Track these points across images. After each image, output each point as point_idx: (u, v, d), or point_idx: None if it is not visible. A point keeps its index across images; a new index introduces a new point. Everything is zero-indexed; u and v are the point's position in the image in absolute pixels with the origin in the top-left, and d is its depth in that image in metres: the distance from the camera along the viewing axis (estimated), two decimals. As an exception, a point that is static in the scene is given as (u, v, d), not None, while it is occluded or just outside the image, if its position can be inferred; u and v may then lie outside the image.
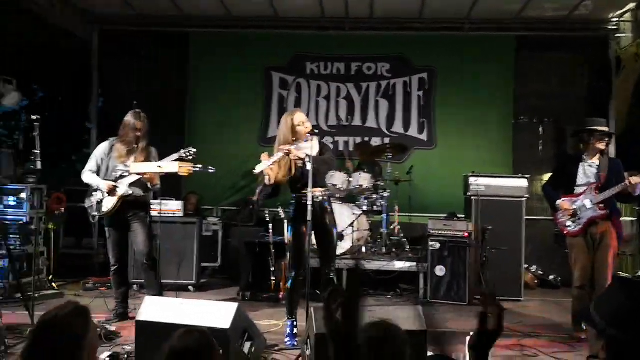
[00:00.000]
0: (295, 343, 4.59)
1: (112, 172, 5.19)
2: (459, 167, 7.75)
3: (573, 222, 4.96)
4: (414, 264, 6.78)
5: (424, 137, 8.83)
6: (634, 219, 7.61)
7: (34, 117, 4.84)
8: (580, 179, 4.97)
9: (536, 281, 7.64)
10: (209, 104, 9.07)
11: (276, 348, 4.53)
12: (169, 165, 5.05)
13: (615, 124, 8.12)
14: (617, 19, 8.39)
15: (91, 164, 5.25)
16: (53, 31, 8.19)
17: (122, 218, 5.19)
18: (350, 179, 6.98)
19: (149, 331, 3.81)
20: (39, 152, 4.81)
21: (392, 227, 7.56)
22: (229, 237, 7.80)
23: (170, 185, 6.47)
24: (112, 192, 5.10)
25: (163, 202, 6.78)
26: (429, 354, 3.71)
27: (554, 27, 8.47)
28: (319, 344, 3.56)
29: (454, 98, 8.74)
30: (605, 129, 5.05)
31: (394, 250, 7.25)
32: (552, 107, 8.70)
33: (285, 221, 5.69)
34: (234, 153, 8.52)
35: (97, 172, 5.21)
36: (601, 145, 4.93)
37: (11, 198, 6.22)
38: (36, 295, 4.95)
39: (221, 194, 8.71)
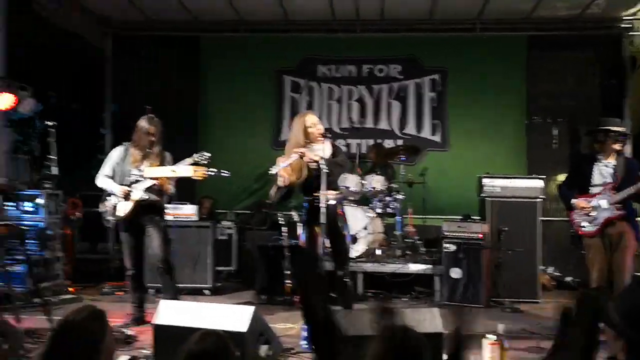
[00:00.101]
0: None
1: (126, 177, 5.21)
2: (472, 169, 7.72)
3: (589, 222, 4.91)
4: (429, 266, 6.75)
5: (437, 138, 8.80)
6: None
7: (49, 123, 4.90)
8: (596, 179, 4.93)
9: (553, 283, 7.57)
10: (221, 107, 9.12)
11: (292, 351, 4.51)
12: (184, 169, 5.06)
13: (631, 123, 8.05)
14: (630, 17, 8.32)
15: (106, 169, 5.28)
16: (67, 38, 8.28)
17: (138, 223, 5.21)
18: (364, 182, 6.97)
19: (166, 335, 3.83)
20: (55, 157, 4.86)
21: (406, 229, 7.54)
22: (244, 240, 7.82)
23: (185, 190, 6.50)
24: (127, 196, 5.13)
25: (177, 206, 6.86)
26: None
27: (566, 26, 8.42)
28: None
29: (467, 99, 8.71)
30: (622, 129, 5.00)
31: (408, 252, 7.22)
32: (566, 107, 8.64)
33: (299, 224, 5.68)
34: (247, 156, 8.55)
35: (112, 177, 5.24)
36: (617, 146, 4.89)
37: (28, 204, 6.25)
38: (54, 300, 4.99)
39: (235, 198, 8.74)
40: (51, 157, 4.88)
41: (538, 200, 6.77)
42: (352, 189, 6.74)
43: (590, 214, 4.89)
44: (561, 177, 7.65)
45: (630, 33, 8.42)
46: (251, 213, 8.41)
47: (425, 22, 8.68)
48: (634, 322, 1.72)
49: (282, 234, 6.59)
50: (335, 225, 4.65)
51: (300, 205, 4.91)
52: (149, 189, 5.10)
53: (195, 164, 5.10)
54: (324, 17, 8.67)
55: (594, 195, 4.90)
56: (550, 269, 7.65)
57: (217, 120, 9.10)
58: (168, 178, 5.13)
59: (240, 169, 7.93)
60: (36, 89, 6.81)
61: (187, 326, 3.74)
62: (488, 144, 8.55)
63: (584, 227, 4.94)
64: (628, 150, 6.62)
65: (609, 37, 8.53)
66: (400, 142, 8.66)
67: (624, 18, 8.34)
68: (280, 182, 4.63)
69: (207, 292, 6.77)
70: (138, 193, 5.10)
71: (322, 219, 4.39)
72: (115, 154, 5.32)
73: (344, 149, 8.55)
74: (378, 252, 7.16)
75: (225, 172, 5.27)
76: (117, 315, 5.24)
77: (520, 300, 6.40)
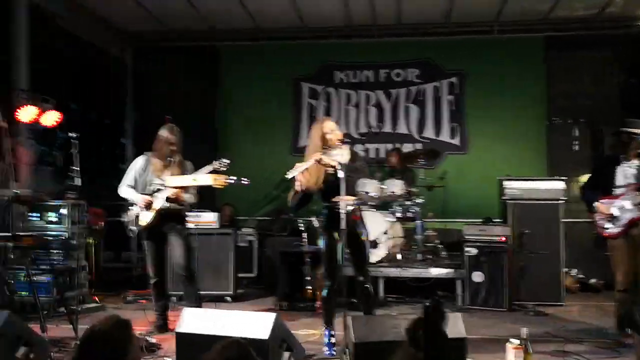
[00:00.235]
0: (334, 352, 4.58)
1: (148, 186, 5.27)
2: (492, 171, 7.68)
3: (613, 224, 4.85)
4: (451, 270, 6.70)
5: (456, 141, 8.77)
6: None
7: (72, 135, 4.96)
8: (619, 180, 4.87)
9: (577, 285, 7.48)
10: (240, 115, 9.21)
11: (315, 357, 4.52)
12: (204, 178, 5.09)
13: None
14: (649, 15, 8.21)
15: (128, 179, 5.34)
16: (88, 49, 8.43)
17: (160, 231, 5.25)
18: (383, 186, 6.96)
19: (189, 343, 3.86)
20: (78, 169, 4.92)
21: (427, 233, 7.51)
22: (264, 247, 7.85)
23: (205, 197, 6.55)
24: (148, 206, 5.18)
25: (198, 214, 6.91)
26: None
27: (584, 26, 8.37)
28: (358, 353, 3.55)
29: (485, 101, 8.68)
30: (646, 131, 4.92)
31: (429, 256, 7.19)
32: (586, 107, 8.56)
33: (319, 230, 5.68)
34: (266, 163, 8.60)
35: (134, 187, 5.30)
36: (641, 148, 4.83)
37: (52, 214, 6.37)
38: (79, 308, 5.05)
39: (255, 205, 8.79)
40: (74, 167, 4.93)
41: (560, 201, 6.70)
42: (371, 194, 6.73)
43: (612, 218, 4.83)
44: (583, 178, 7.56)
45: (650, 30, 8.31)
46: (271, 219, 8.45)
47: (442, 25, 8.68)
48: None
49: (303, 240, 6.60)
50: (354, 230, 4.64)
51: (320, 212, 4.90)
52: (167, 199, 5.15)
53: (215, 171, 5.13)
54: (341, 23, 8.71)
55: (617, 197, 4.84)
56: (573, 271, 7.55)
57: (236, 128, 9.18)
58: (184, 188, 5.17)
59: (259, 176, 7.96)
60: (58, 100, 6.93)
61: (209, 334, 3.77)
62: (507, 145, 8.50)
63: (607, 228, 4.88)
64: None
65: (628, 36, 8.43)
66: (419, 145, 8.65)
67: (644, 16, 8.24)
68: (297, 186, 4.64)
69: (228, 299, 6.80)
70: (159, 202, 5.16)
71: (341, 224, 4.38)
72: (137, 164, 5.38)
73: (362, 154, 8.58)
74: (399, 256, 7.14)
75: (245, 179, 5.29)
76: (141, 323, 5.28)
77: (544, 303, 6.32)
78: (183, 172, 5.26)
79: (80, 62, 8.31)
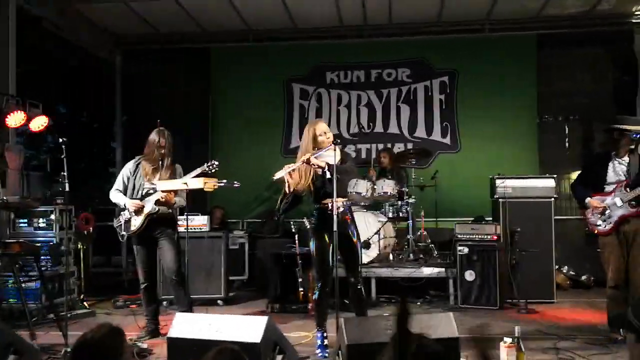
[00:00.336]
0: (327, 354, 4.56)
1: (138, 190, 5.23)
2: (484, 170, 7.67)
3: (604, 220, 4.86)
4: (443, 269, 6.71)
5: (447, 140, 8.77)
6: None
7: (61, 140, 4.92)
8: (610, 177, 4.88)
9: (568, 282, 7.50)
10: (231, 117, 9.17)
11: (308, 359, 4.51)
12: (195, 181, 5.06)
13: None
14: (640, 12, 8.24)
15: (118, 183, 5.31)
16: (77, 52, 8.37)
17: (150, 235, 5.22)
18: (375, 187, 6.95)
19: (181, 348, 3.82)
20: (66, 174, 4.88)
21: (418, 233, 7.51)
22: (255, 249, 7.82)
23: (196, 200, 6.51)
24: (139, 210, 5.14)
25: (189, 217, 6.86)
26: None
27: (576, 23, 8.36)
28: (351, 354, 3.53)
29: (477, 100, 8.68)
30: (637, 128, 4.92)
31: (421, 256, 7.19)
32: (577, 105, 8.59)
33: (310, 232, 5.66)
34: (257, 165, 8.56)
35: (124, 191, 5.27)
36: (632, 145, 4.84)
37: (41, 220, 6.31)
38: (69, 315, 5.01)
39: (245, 207, 8.75)
40: (63, 172, 4.89)
41: (551, 199, 6.71)
42: (363, 194, 6.72)
43: (604, 213, 4.84)
44: (573, 175, 7.59)
45: (641, 27, 8.34)
46: (262, 221, 8.41)
47: (433, 24, 8.68)
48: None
49: (294, 241, 6.57)
50: (345, 231, 4.62)
51: (311, 213, 4.88)
52: (157, 202, 5.11)
53: (204, 173, 5.11)
54: (332, 23, 8.70)
55: (608, 194, 4.85)
56: (565, 268, 7.57)
57: (228, 130, 9.14)
58: (175, 191, 5.15)
59: (250, 178, 7.95)
60: (47, 104, 6.87)
61: (201, 338, 3.74)
62: (499, 144, 8.50)
63: (599, 225, 4.89)
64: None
65: (619, 33, 8.45)
66: (410, 145, 8.64)
67: (635, 13, 8.25)
68: (286, 187, 4.63)
69: (220, 302, 6.77)
70: (150, 206, 5.12)
71: (333, 226, 4.36)
72: (126, 168, 5.36)
73: (353, 154, 8.57)
74: (390, 256, 7.13)
75: (236, 182, 5.28)
76: (131, 328, 5.25)
77: (536, 300, 6.33)
78: (173, 175, 5.23)
79: (68, 65, 8.27)
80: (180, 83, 9.29)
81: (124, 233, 5.25)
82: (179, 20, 8.42)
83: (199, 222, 6.94)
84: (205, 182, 5.03)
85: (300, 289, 6.38)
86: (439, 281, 6.84)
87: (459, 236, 6.59)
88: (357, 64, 9.04)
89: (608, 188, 4.88)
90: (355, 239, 4.70)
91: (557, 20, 8.38)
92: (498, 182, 6.85)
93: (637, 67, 8.35)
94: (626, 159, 4.87)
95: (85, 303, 6.54)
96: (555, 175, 6.90)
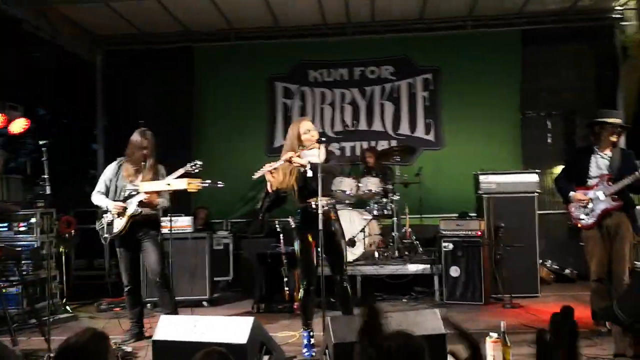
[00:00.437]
0: (313, 353, 4.54)
1: (121, 192, 5.17)
2: (468, 166, 7.70)
3: (587, 214, 4.90)
4: (428, 266, 6.72)
5: (431, 137, 8.79)
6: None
7: (41, 142, 4.85)
8: (593, 171, 4.91)
9: (552, 276, 7.56)
10: (214, 116, 9.13)
11: (295, 359, 4.49)
12: (178, 182, 5.02)
13: (623, 113, 8.04)
14: (621, 7, 8.32)
15: (100, 186, 5.25)
16: (57, 54, 8.26)
17: (133, 238, 5.16)
18: (359, 184, 6.94)
19: (166, 350, 3.80)
20: (47, 177, 4.81)
21: (403, 230, 7.52)
22: (240, 249, 7.78)
23: (179, 201, 6.45)
24: (121, 212, 5.08)
25: (172, 218, 6.80)
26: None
27: (558, 19, 8.42)
28: (338, 353, 3.52)
29: (460, 97, 8.71)
30: (617, 121, 4.97)
31: (406, 253, 7.19)
32: (560, 100, 8.66)
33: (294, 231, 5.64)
34: (241, 165, 8.46)
35: (107, 193, 5.20)
36: (613, 138, 4.88)
37: (21, 223, 6.22)
38: (51, 319, 4.94)
39: (229, 207, 8.71)
40: (44, 175, 4.82)
41: (534, 194, 6.75)
42: (347, 192, 6.71)
43: (587, 206, 4.88)
44: (557, 170, 7.64)
45: (622, 23, 8.41)
46: (247, 221, 8.37)
47: (416, 22, 8.69)
48: None
49: (280, 241, 6.54)
50: (330, 230, 4.60)
51: (295, 212, 4.85)
52: (140, 203, 5.06)
53: (187, 173, 5.07)
54: (315, 21, 8.68)
55: (591, 187, 4.89)
56: (548, 262, 7.63)
57: (211, 129, 9.09)
58: (158, 192, 5.10)
59: (234, 178, 7.87)
60: (27, 107, 6.77)
61: (186, 340, 3.71)
62: (482, 140, 8.54)
63: (582, 219, 4.92)
64: (622, 141, 6.59)
65: (601, 28, 8.53)
66: (394, 142, 8.65)
67: (615, 8, 8.34)
68: (268, 186, 4.60)
69: (205, 303, 6.73)
70: (132, 208, 5.06)
71: (317, 224, 4.34)
72: (108, 170, 5.30)
73: (338, 152, 8.55)
74: (376, 254, 7.13)
75: (220, 183, 5.23)
76: (116, 331, 5.19)
77: (521, 295, 6.37)
78: (156, 176, 5.18)
79: (48, 66, 8.15)
80: (162, 83, 9.22)
81: (106, 235, 5.19)
82: (161, 19, 8.35)
83: (183, 223, 6.88)
84: (188, 183, 5.00)
85: (286, 289, 6.36)
86: (424, 278, 6.86)
87: (444, 232, 6.61)
88: (340, 62, 9.03)
89: (591, 182, 4.91)
90: (339, 237, 4.69)
91: (540, 16, 8.43)
92: (482, 178, 6.88)
93: (619, 62, 8.43)
94: (608, 152, 4.90)
95: (67, 307, 6.46)
96: (538, 171, 6.95)
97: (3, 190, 6.82)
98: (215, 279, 7.21)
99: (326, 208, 4.55)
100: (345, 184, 6.73)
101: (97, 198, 5.20)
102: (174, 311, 5.06)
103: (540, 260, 7.01)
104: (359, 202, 7.33)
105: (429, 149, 8.73)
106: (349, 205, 7.12)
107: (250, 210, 8.48)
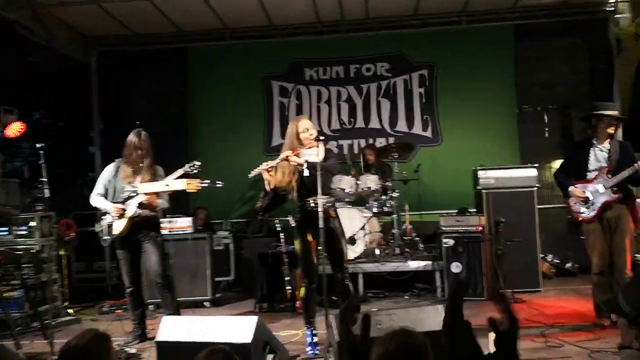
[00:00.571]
0: (317, 352, 4.54)
1: (120, 193, 5.16)
2: (466, 161, 7.71)
3: (587, 208, 4.91)
4: (429, 262, 6.73)
5: (428, 134, 8.79)
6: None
7: (38, 145, 4.84)
8: (592, 163, 4.93)
9: (553, 270, 7.57)
10: (210, 116, 9.09)
11: (299, 358, 4.49)
12: (177, 183, 5.01)
13: (619, 106, 8.05)
14: (614, 0, 8.31)
15: (98, 188, 5.23)
16: (51, 57, 8.21)
17: (133, 239, 5.15)
18: (358, 182, 6.94)
19: (170, 351, 3.79)
20: (46, 179, 4.80)
21: (403, 227, 7.52)
22: (241, 249, 7.77)
23: (179, 202, 6.44)
24: (121, 214, 5.07)
25: (172, 219, 6.81)
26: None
27: (552, 13, 8.39)
28: (342, 351, 3.52)
29: (456, 92, 8.69)
30: (614, 113, 4.98)
31: (407, 250, 7.20)
32: (556, 94, 8.66)
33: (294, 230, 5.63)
34: (239, 164, 8.45)
35: (105, 195, 5.19)
36: (610, 130, 4.89)
37: (21, 227, 6.20)
38: (53, 322, 4.93)
39: (229, 207, 8.68)
40: (42, 178, 4.81)
41: (533, 189, 6.75)
42: (347, 190, 6.71)
43: (587, 200, 4.88)
44: (555, 164, 7.65)
45: (616, 16, 8.40)
46: (247, 221, 8.36)
47: (410, 18, 8.67)
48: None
49: (280, 240, 6.54)
50: (329, 228, 4.60)
51: (295, 210, 4.85)
52: (140, 205, 5.05)
53: (186, 174, 5.07)
54: (309, 20, 8.65)
55: (590, 181, 4.89)
56: (549, 257, 7.64)
57: (207, 129, 9.07)
58: (157, 193, 5.09)
59: (233, 178, 7.86)
60: (22, 110, 6.75)
61: (190, 341, 3.70)
62: (480, 135, 8.53)
63: (582, 213, 4.93)
64: (619, 134, 6.60)
65: (595, 21, 8.51)
66: (391, 140, 8.64)
67: (609, 1, 8.33)
68: (266, 185, 4.60)
69: (207, 304, 6.72)
70: (132, 209, 5.05)
71: (317, 223, 4.34)
72: (107, 172, 5.28)
73: (336, 150, 8.53)
74: (377, 251, 7.14)
75: (219, 182, 5.22)
76: (118, 333, 5.19)
77: (523, 290, 6.38)
78: (154, 177, 5.17)
79: (43, 70, 8.11)
80: (158, 84, 9.18)
81: (106, 237, 5.18)
82: (155, 20, 8.32)
83: (182, 223, 6.88)
84: (187, 183, 4.99)
85: (288, 288, 6.36)
86: (425, 274, 6.86)
87: (444, 229, 6.61)
88: (336, 59, 9.02)
89: (590, 175, 4.93)
90: (339, 235, 4.69)
91: (534, 10, 8.42)
92: (480, 173, 6.87)
93: (613, 55, 8.44)
94: (606, 145, 4.92)
95: (69, 310, 6.45)
96: (537, 165, 6.95)
97: (1, 194, 6.79)
98: (217, 279, 7.20)
99: (326, 206, 4.55)
100: (344, 182, 6.72)
101: (96, 200, 5.18)
102: (176, 312, 5.06)
103: (541, 255, 7.01)
104: (359, 200, 7.33)
105: (427, 145, 8.72)
106: (349, 203, 7.12)
107: (249, 210, 8.47)
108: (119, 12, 8.04)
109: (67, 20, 8.29)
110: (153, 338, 4.13)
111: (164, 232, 5.40)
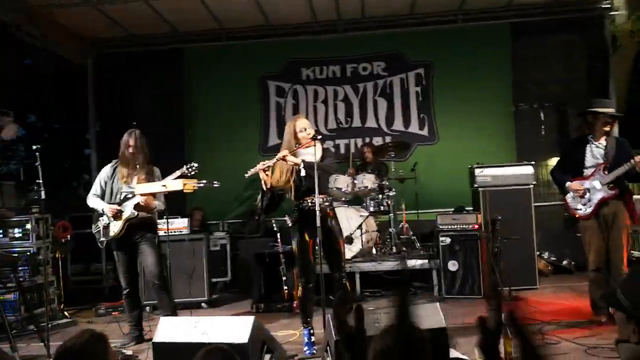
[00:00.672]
0: (314, 351, 4.53)
1: (116, 194, 5.15)
2: (463, 160, 7.69)
3: (584, 204, 4.91)
4: (426, 261, 6.72)
5: (425, 132, 8.79)
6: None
7: (34, 147, 4.82)
8: (589, 160, 4.93)
9: (549, 267, 7.57)
10: (207, 117, 9.08)
11: (296, 358, 4.48)
12: (174, 183, 5.00)
13: (615, 103, 8.06)
14: (609, -3, 8.34)
15: (95, 188, 5.23)
16: (48, 59, 8.21)
17: (130, 240, 5.14)
18: (355, 181, 6.93)
19: (167, 352, 3.77)
20: (41, 181, 4.78)
21: (400, 225, 7.52)
22: (237, 249, 7.76)
23: (175, 203, 6.43)
24: (117, 215, 5.06)
25: (169, 220, 6.77)
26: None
27: (548, 11, 8.41)
28: (340, 350, 3.51)
29: (453, 91, 8.70)
30: (610, 110, 4.98)
31: (404, 249, 7.19)
32: (552, 91, 8.66)
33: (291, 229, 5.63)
34: (236, 165, 8.44)
35: (102, 196, 5.18)
36: (606, 127, 4.89)
37: (17, 230, 6.18)
38: (50, 325, 4.91)
39: (225, 207, 8.67)
40: (38, 180, 4.79)
41: (530, 186, 6.76)
42: (343, 189, 6.70)
43: (584, 196, 4.88)
44: (551, 162, 7.65)
45: (612, 13, 8.42)
46: (243, 221, 8.34)
47: (406, 17, 8.67)
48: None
49: (277, 240, 6.53)
50: (327, 227, 4.59)
51: (292, 210, 4.85)
52: (136, 206, 5.03)
53: (183, 175, 5.05)
54: (305, 19, 8.65)
55: (587, 177, 4.90)
56: (545, 254, 7.64)
57: (204, 130, 9.06)
58: (153, 194, 5.08)
59: (229, 178, 7.84)
60: (18, 113, 6.73)
61: (187, 342, 3.69)
62: (477, 134, 8.54)
63: (579, 209, 4.94)
64: (615, 131, 6.61)
65: (591, 18, 8.52)
66: (388, 138, 8.64)
67: (604, -1, 8.36)
68: (262, 185, 4.60)
69: (204, 305, 6.71)
70: (128, 210, 5.04)
71: (314, 222, 4.34)
72: (103, 173, 5.28)
73: (332, 149, 8.53)
74: (374, 250, 7.13)
75: (216, 182, 5.21)
76: (115, 335, 5.17)
77: (519, 287, 6.37)
78: (150, 176, 5.16)
79: (39, 72, 8.10)
80: (154, 85, 9.17)
81: (103, 239, 5.16)
82: (151, 21, 8.31)
83: (179, 224, 6.86)
84: (184, 184, 4.98)
85: (285, 288, 6.35)
86: (422, 273, 6.86)
87: (441, 227, 6.60)
88: (332, 59, 9.02)
89: (587, 172, 4.92)
90: (337, 235, 4.68)
91: (529, 9, 8.43)
92: (477, 171, 6.87)
93: (609, 52, 8.45)
94: (603, 142, 4.92)
95: (65, 312, 6.42)
96: (533, 163, 6.95)
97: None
98: (213, 280, 7.19)
99: (323, 206, 4.54)
100: (341, 181, 6.72)
101: (93, 201, 5.17)
102: (173, 313, 5.04)
103: (538, 252, 7.02)
104: (355, 199, 7.32)
105: (423, 144, 8.73)
106: (345, 203, 7.11)
107: (246, 211, 8.46)
108: (115, 13, 8.02)
109: (63, 22, 8.26)
110: (150, 339, 4.11)
111: (160, 233, 5.37)
